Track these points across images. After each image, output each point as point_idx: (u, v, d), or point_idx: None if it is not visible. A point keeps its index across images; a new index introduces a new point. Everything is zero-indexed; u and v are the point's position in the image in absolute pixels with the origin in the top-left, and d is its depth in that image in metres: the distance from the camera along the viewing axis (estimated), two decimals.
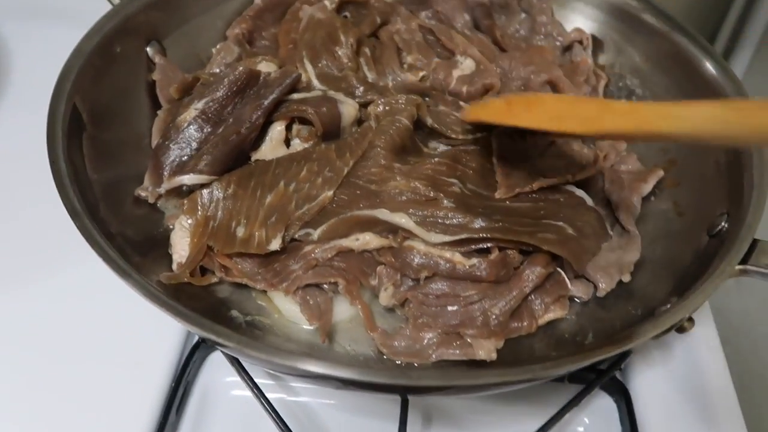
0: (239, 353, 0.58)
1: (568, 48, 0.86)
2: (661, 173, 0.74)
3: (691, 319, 0.58)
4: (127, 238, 0.61)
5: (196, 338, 0.69)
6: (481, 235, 0.60)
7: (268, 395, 0.64)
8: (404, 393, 0.59)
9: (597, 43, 0.86)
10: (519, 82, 0.79)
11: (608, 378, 0.68)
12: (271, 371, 0.65)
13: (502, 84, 0.78)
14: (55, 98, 0.63)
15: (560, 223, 0.64)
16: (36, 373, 0.67)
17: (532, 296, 0.62)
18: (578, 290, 0.64)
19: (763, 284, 0.59)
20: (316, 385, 0.64)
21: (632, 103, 0.70)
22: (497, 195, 0.68)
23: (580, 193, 0.69)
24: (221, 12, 0.83)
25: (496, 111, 0.67)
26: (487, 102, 0.74)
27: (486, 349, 0.57)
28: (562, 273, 0.63)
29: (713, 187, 0.69)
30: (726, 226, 0.64)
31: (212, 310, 0.62)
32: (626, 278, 0.65)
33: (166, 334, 0.69)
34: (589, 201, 0.69)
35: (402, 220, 0.61)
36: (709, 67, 0.74)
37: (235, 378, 0.66)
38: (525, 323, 0.60)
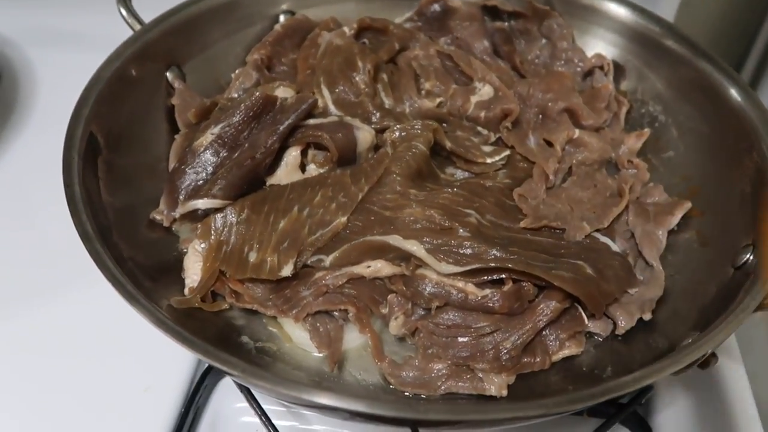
0: (244, 381, 0.58)
1: (588, 73, 0.85)
2: (688, 205, 0.71)
3: (714, 355, 0.56)
4: (138, 262, 0.61)
5: (207, 363, 0.69)
6: (492, 265, 0.59)
7: (279, 423, 0.63)
8: (414, 425, 0.57)
9: (618, 69, 0.84)
10: (536, 109, 0.78)
11: (629, 412, 0.66)
12: (279, 400, 0.64)
13: (519, 110, 0.77)
14: (73, 124, 0.64)
15: (579, 262, 0.62)
16: (44, 397, 0.67)
17: (547, 331, 0.60)
18: (596, 327, 0.62)
19: None
20: (324, 414, 0.63)
21: None
22: (522, 224, 0.67)
23: (604, 239, 0.67)
24: (241, 38, 0.84)
25: None
26: None
27: (497, 385, 0.55)
28: (579, 308, 0.61)
29: (738, 218, 0.67)
30: (751, 258, 0.62)
31: (222, 335, 0.62)
32: (647, 316, 0.62)
33: (177, 358, 0.68)
34: (614, 247, 0.67)
35: (414, 247, 0.60)
36: (734, 94, 0.72)
37: (245, 404, 0.65)
38: (538, 359, 0.58)
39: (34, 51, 1.04)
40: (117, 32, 0.77)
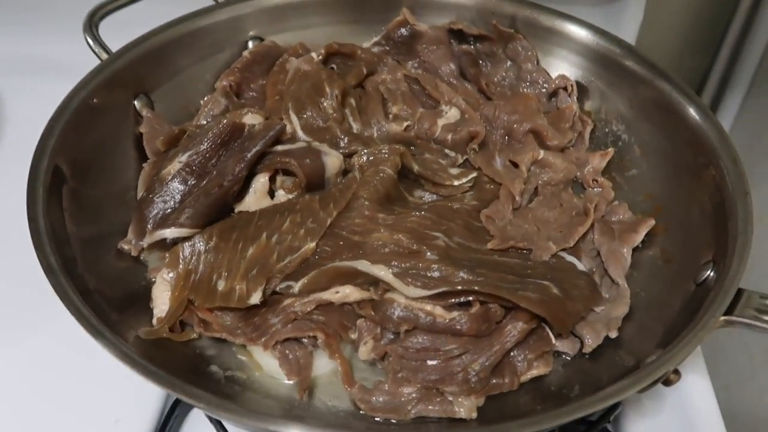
0: (211, 413, 0.58)
1: (553, 94, 0.86)
2: (652, 222, 0.72)
3: (676, 372, 0.57)
4: (105, 294, 0.61)
5: None
6: (459, 288, 0.60)
7: None
8: None
9: (582, 90, 0.86)
10: (502, 131, 0.79)
11: (599, 429, 0.66)
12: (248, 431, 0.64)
13: (486, 132, 0.78)
14: (38, 156, 0.64)
15: (545, 283, 0.63)
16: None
17: (515, 352, 0.60)
18: (563, 346, 0.63)
19: None
20: None
21: None
22: (490, 246, 0.68)
23: (570, 259, 0.68)
24: (210, 64, 0.84)
25: None
26: None
27: (466, 408, 0.56)
28: (546, 328, 0.62)
29: (699, 235, 0.69)
30: (712, 274, 0.63)
31: (192, 365, 0.61)
32: (613, 334, 0.63)
33: (147, 389, 0.67)
34: (580, 266, 0.68)
35: (381, 272, 0.61)
36: (692, 113, 0.74)
37: None
38: (506, 380, 0.59)
39: (2, 79, 1.03)
40: (86, 59, 0.77)
